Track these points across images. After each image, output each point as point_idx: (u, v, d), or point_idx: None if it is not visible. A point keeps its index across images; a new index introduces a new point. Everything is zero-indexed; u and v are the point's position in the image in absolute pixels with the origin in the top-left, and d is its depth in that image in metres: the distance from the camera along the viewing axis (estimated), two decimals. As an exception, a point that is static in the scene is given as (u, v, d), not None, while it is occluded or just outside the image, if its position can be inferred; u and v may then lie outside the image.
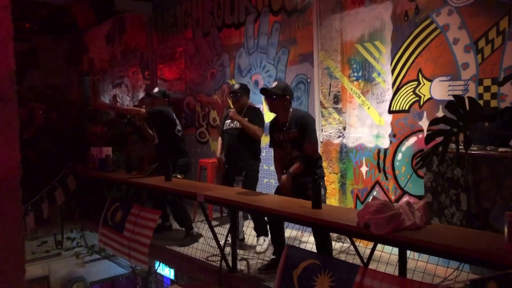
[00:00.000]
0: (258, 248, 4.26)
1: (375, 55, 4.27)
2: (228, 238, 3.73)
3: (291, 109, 3.70)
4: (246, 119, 4.38)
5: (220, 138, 4.69)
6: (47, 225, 5.91)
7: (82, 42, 10.14)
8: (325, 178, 4.53)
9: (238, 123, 4.36)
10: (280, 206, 3.24)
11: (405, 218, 2.48)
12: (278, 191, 3.77)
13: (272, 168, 5.37)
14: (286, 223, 3.90)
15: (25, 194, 1.26)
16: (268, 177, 5.48)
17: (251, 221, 4.61)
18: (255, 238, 4.44)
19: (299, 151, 3.61)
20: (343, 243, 4.37)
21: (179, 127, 5.01)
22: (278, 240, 3.73)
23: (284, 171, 3.70)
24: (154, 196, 5.16)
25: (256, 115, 4.43)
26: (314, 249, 3.17)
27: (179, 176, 4.79)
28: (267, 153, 5.52)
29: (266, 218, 4.41)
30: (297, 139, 3.61)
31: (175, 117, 5.01)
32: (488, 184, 2.99)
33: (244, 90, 4.53)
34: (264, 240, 4.33)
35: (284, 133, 3.67)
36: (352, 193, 4.51)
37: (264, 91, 3.74)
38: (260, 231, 4.42)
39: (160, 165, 5.07)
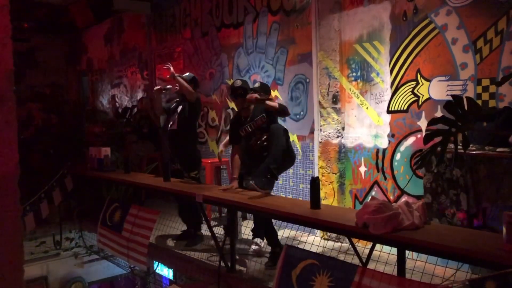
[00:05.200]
0: (252, 249, 4.24)
1: (374, 55, 4.27)
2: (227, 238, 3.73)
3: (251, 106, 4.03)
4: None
5: (234, 153, 4.11)
6: (45, 226, 5.90)
7: (80, 42, 10.12)
8: (324, 178, 4.55)
9: (253, 124, 4.05)
10: (279, 206, 3.24)
11: (404, 218, 2.49)
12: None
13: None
14: (284, 223, 3.90)
15: (23, 194, 1.26)
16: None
17: (250, 221, 4.59)
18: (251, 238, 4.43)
19: (267, 133, 3.88)
20: (342, 243, 4.37)
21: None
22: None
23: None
24: (186, 203, 4.74)
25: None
26: (313, 249, 3.17)
27: (192, 175, 4.67)
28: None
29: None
30: (264, 124, 3.89)
31: None
32: (486, 184, 3.00)
33: (263, 88, 4.26)
34: (261, 242, 4.32)
35: (251, 124, 3.98)
36: (350, 193, 4.51)
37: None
38: (256, 233, 4.39)
39: (170, 154, 4.86)
